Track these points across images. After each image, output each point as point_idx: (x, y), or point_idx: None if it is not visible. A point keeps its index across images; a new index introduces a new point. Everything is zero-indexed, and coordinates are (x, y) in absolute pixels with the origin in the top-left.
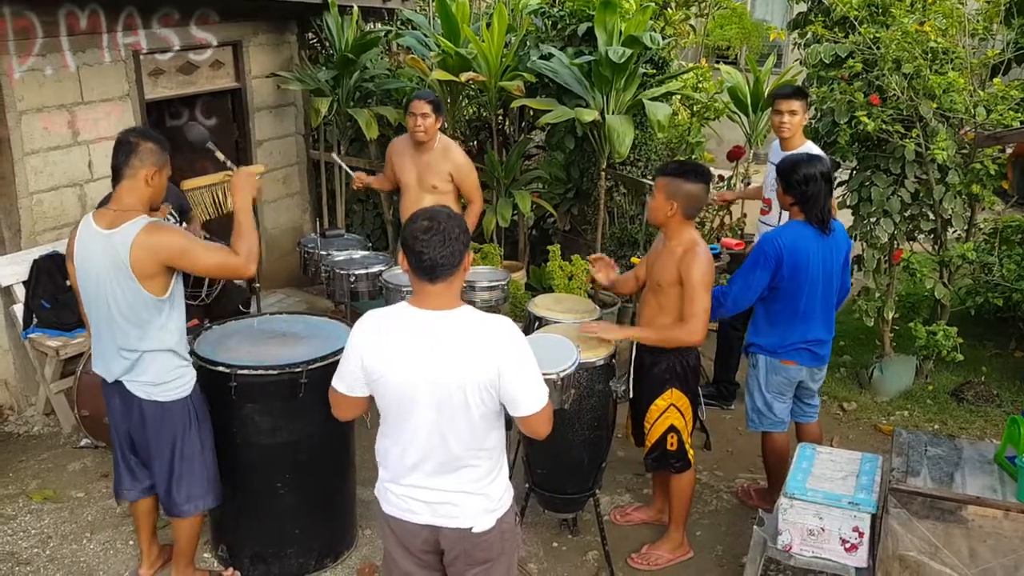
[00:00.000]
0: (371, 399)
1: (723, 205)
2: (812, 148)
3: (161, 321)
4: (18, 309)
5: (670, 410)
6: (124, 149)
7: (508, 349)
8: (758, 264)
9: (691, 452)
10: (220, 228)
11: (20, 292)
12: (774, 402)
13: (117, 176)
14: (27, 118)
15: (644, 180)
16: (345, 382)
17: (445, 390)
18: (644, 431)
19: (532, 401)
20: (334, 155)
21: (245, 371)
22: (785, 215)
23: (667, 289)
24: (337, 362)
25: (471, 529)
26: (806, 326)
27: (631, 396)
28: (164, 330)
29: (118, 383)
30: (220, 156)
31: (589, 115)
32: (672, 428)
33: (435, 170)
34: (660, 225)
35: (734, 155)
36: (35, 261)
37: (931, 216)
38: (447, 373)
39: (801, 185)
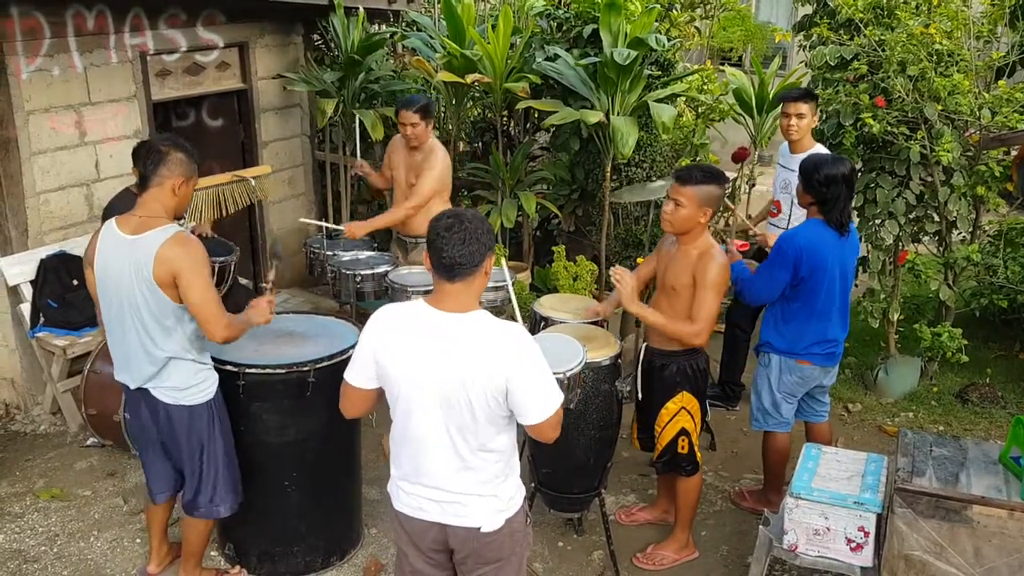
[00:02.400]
0: (379, 396)
1: (727, 208)
2: (820, 151)
3: (185, 328)
4: (25, 308)
5: (681, 413)
6: (154, 158)
7: (518, 359)
8: (776, 262)
9: (699, 455)
10: (221, 228)
11: (27, 291)
12: (783, 402)
13: (145, 183)
14: (34, 118)
15: (650, 184)
16: (357, 375)
17: (451, 392)
18: (654, 435)
19: (541, 410)
20: (308, 220)
21: (253, 370)
22: (795, 218)
23: (681, 292)
24: (344, 361)
25: (480, 529)
26: (823, 326)
27: (638, 398)
28: (188, 337)
29: (143, 390)
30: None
31: (594, 116)
32: (683, 431)
33: (417, 171)
34: (683, 233)
35: (739, 157)
36: (42, 261)
37: (936, 218)
38: (454, 376)
39: (821, 186)
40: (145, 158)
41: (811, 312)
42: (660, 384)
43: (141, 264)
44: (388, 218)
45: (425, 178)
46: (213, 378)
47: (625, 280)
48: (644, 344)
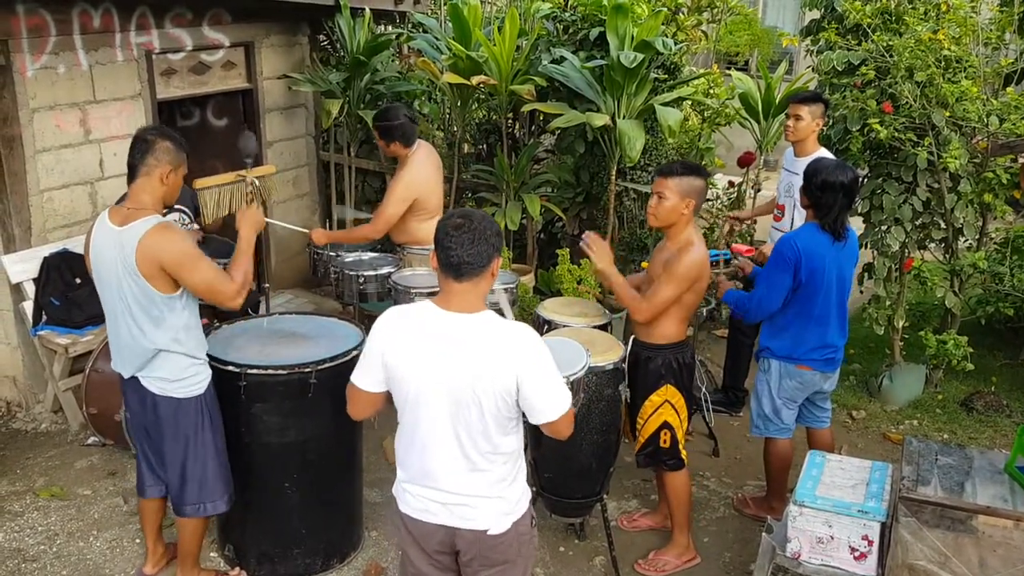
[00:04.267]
0: (386, 399)
1: (732, 211)
2: (824, 155)
3: (174, 319)
4: (28, 306)
5: (664, 406)
6: (140, 147)
7: (528, 358)
8: (777, 266)
9: (684, 452)
10: (224, 228)
11: (30, 289)
12: (783, 408)
13: (133, 174)
14: (39, 116)
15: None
16: (365, 377)
17: (460, 393)
18: (637, 427)
19: (553, 408)
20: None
21: (255, 370)
22: (797, 222)
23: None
24: (347, 363)
25: (487, 531)
26: (821, 331)
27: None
28: (179, 328)
29: (134, 379)
30: None
31: (600, 120)
32: (666, 424)
33: None
34: (669, 226)
35: (744, 161)
36: (45, 259)
37: (942, 225)
38: (462, 377)
39: (817, 191)
40: (132, 148)
41: (809, 317)
42: (644, 376)
43: (126, 255)
44: (349, 236)
45: (384, 200)
46: (205, 374)
47: (598, 242)
48: (632, 337)
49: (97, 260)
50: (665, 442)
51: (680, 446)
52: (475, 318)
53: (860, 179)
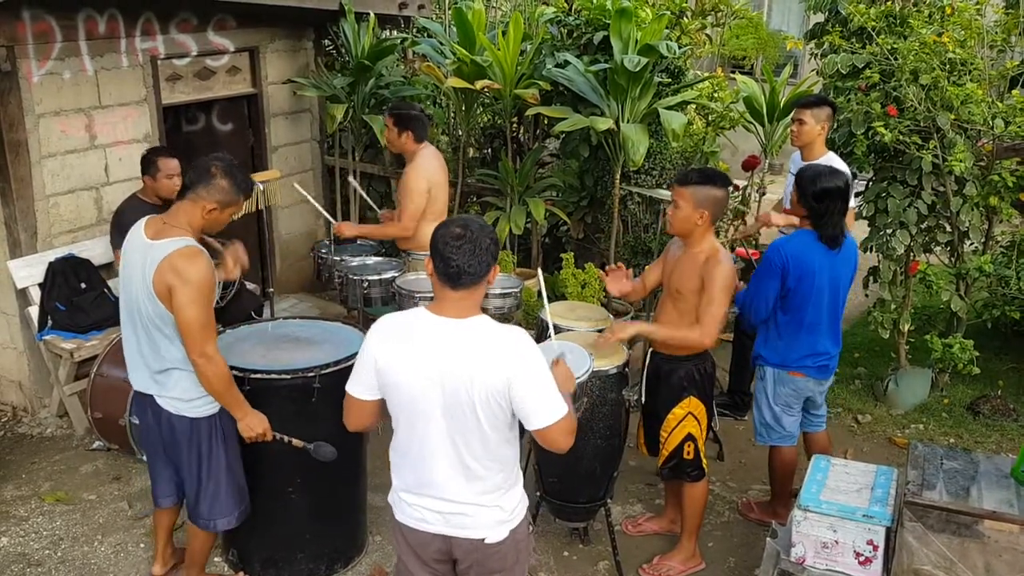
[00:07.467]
0: (382, 408)
1: (738, 215)
2: (833, 159)
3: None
4: (33, 311)
5: (688, 418)
6: (200, 174)
7: (519, 360)
8: (764, 272)
9: (706, 461)
10: (229, 232)
11: (35, 294)
12: (783, 415)
13: (183, 193)
14: (45, 121)
15: (660, 191)
16: (359, 386)
17: (454, 398)
18: (660, 440)
19: (545, 414)
20: (351, 180)
21: (258, 375)
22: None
23: (688, 296)
24: (351, 367)
25: (484, 540)
26: (812, 338)
27: (643, 404)
28: None
29: (149, 396)
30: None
31: (604, 123)
32: (689, 436)
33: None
34: (685, 235)
35: (749, 165)
36: (51, 264)
37: (948, 228)
38: (456, 381)
39: (814, 200)
40: (194, 169)
41: (800, 324)
42: (667, 389)
43: (147, 271)
44: (377, 231)
45: (400, 204)
46: None
47: (614, 332)
48: (650, 349)
49: (125, 268)
50: (688, 454)
51: (702, 455)
52: (467, 323)
53: (858, 181)
